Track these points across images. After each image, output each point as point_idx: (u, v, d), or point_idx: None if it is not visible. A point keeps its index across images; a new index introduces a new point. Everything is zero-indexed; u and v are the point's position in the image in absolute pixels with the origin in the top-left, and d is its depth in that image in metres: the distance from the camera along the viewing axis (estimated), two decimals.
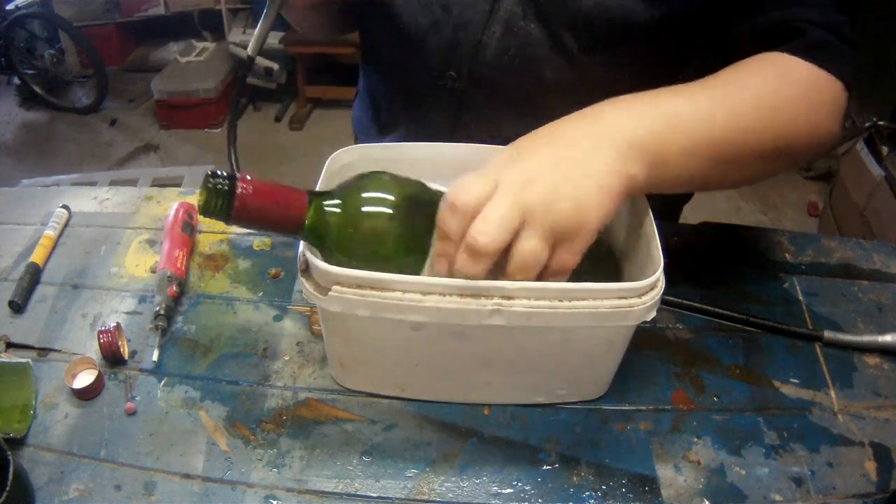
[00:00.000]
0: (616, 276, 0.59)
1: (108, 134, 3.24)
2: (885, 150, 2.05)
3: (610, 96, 0.59)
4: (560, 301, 0.47)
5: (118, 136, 3.22)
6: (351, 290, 0.48)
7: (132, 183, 2.51)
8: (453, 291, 0.47)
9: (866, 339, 0.64)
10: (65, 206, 0.79)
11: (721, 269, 0.73)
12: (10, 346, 0.64)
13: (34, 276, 0.70)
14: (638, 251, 0.55)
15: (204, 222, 0.77)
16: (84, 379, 0.59)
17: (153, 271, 0.71)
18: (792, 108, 0.55)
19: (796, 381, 0.61)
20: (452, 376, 0.56)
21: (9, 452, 0.49)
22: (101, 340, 0.60)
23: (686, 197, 0.89)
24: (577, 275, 0.48)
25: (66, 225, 0.78)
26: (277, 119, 3.29)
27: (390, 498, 0.53)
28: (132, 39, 3.75)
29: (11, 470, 0.47)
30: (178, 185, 2.35)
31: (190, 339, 0.64)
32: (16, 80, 3.43)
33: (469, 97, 0.70)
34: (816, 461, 0.55)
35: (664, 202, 0.74)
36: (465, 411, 0.58)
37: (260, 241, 0.76)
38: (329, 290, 0.48)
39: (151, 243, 0.76)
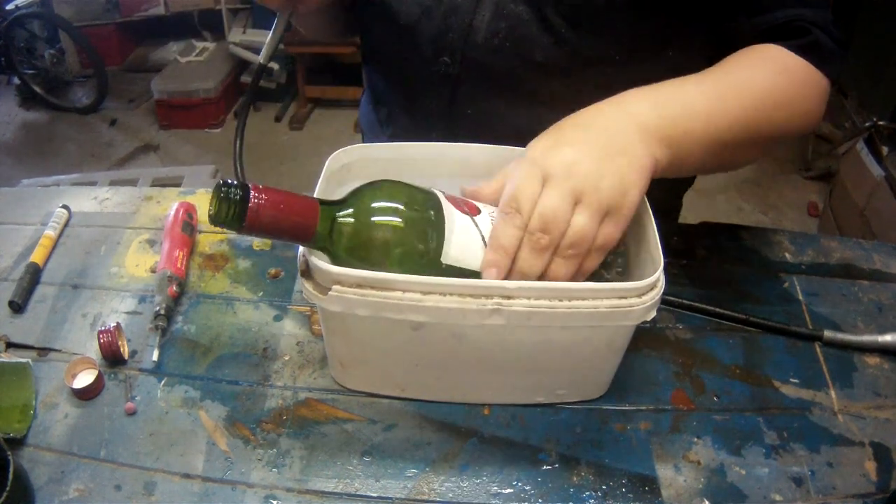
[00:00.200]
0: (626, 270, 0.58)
1: (108, 134, 3.25)
2: (885, 150, 2.05)
3: (600, 76, 0.65)
4: (560, 301, 0.47)
5: (118, 136, 3.22)
6: (351, 290, 0.48)
7: (132, 183, 2.50)
8: (453, 291, 0.47)
9: (866, 339, 0.64)
10: (65, 206, 0.79)
11: (721, 269, 0.73)
12: (10, 346, 0.64)
13: (34, 276, 0.70)
14: (638, 251, 0.55)
15: (204, 222, 0.77)
16: (84, 379, 0.59)
17: (153, 271, 0.71)
18: (790, 100, 0.60)
19: (796, 380, 0.61)
20: (452, 376, 0.56)
21: (9, 452, 0.49)
22: (101, 340, 0.60)
23: (685, 187, 0.90)
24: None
25: (66, 225, 0.78)
26: (277, 119, 3.29)
27: (390, 498, 0.53)
28: (132, 39, 3.75)
29: (11, 470, 0.47)
30: (178, 185, 2.34)
31: (190, 339, 0.64)
32: (16, 80, 3.44)
33: (463, 82, 0.72)
34: (816, 461, 0.55)
35: (665, 193, 0.74)
36: (465, 411, 0.58)
37: (260, 241, 0.76)
38: (329, 289, 0.48)
39: (151, 243, 0.76)
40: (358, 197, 0.49)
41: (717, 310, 0.66)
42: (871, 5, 2.54)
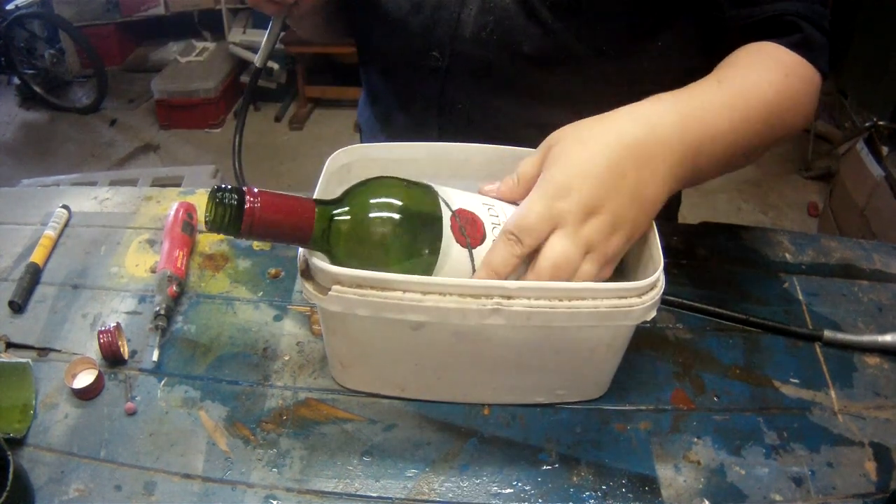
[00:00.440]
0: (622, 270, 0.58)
1: (108, 134, 3.25)
2: (885, 150, 2.05)
3: (588, 68, 0.65)
4: (560, 301, 0.47)
5: (118, 136, 3.22)
6: (351, 290, 0.48)
7: (132, 183, 2.50)
8: (453, 291, 0.47)
9: (866, 339, 0.64)
10: (65, 206, 0.79)
11: (721, 269, 0.73)
12: (10, 346, 0.64)
13: (34, 276, 0.70)
14: (638, 251, 0.55)
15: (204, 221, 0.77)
16: (84, 379, 0.59)
17: (153, 271, 0.71)
18: (796, 102, 0.61)
19: (796, 381, 0.61)
20: (452, 376, 0.56)
21: (9, 452, 0.48)
22: (101, 340, 0.60)
23: (678, 197, 0.91)
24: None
25: (66, 225, 0.78)
26: (277, 119, 3.29)
27: (390, 498, 0.53)
28: (132, 39, 3.75)
29: (11, 470, 0.47)
30: (178, 185, 2.34)
31: (190, 339, 0.64)
32: (16, 80, 3.44)
33: (452, 76, 0.72)
34: (816, 461, 0.55)
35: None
36: (465, 411, 0.58)
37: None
38: (329, 289, 0.48)
39: (151, 243, 0.76)
40: (353, 194, 0.49)
41: (717, 310, 0.66)
42: (871, 5, 2.54)
